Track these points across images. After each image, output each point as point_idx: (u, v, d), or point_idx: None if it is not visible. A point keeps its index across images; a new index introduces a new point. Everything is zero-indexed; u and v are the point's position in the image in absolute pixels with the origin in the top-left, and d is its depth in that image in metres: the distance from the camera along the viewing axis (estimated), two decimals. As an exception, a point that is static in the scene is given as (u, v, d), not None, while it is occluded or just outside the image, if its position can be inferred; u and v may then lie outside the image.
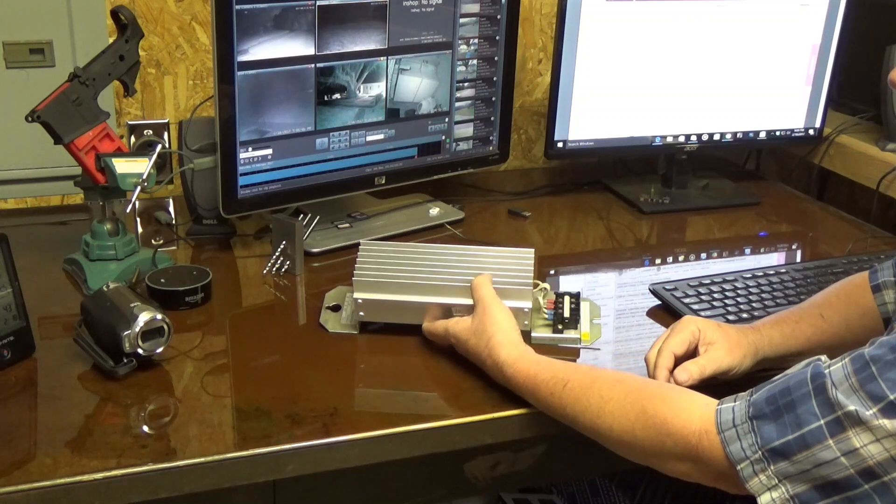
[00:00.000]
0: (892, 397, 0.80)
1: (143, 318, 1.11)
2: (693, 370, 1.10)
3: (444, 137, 1.67)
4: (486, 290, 1.18)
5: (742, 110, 1.82)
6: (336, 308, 1.30)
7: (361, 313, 1.24)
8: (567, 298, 1.29)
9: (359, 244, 1.30)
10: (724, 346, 1.13)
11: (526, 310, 1.20)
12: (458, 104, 1.67)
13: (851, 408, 0.82)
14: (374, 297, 1.22)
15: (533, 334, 1.23)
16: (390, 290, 1.22)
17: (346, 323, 1.27)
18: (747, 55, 1.77)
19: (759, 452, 0.87)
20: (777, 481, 0.86)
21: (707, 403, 0.94)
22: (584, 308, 1.29)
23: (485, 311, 1.15)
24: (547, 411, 1.07)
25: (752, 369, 1.15)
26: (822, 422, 0.83)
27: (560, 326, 1.24)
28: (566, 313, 1.26)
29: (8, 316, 1.14)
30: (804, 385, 0.86)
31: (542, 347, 1.19)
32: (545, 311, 1.27)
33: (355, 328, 1.25)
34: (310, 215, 1.54)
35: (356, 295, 1.22)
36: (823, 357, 0.89)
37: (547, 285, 1.30)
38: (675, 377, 1.10)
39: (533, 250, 1.29)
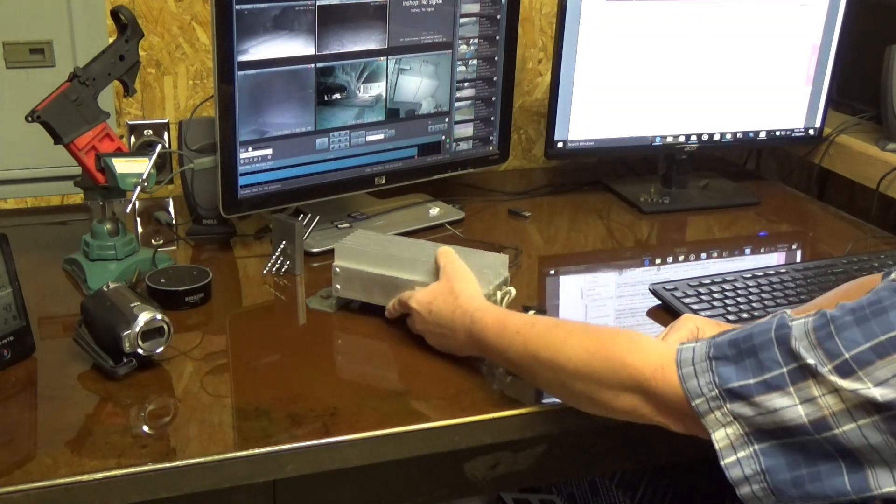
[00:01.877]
0: (846, 356, 0.83)
1: (143, 318, 1.11)
2: None
3: (444, 137, 1.67)
4: (452, 255, 1.21)
5: (742, 110, 1.82)
6: (327, 295, 1.33)
7: (338, 286, 1.27)
8: (532, 312, 1.24)
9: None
10: None
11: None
12: (458, 104, 1.67)
13: (811, 361, 0.84)
14: (351, 266, 1.25)
15: None
16: (368, 261, 1.25)
17: (324, 301, 1.31)
18: (747, 55, 1.77)
19: (716, 391, 0.89)
20: (732, 418, 0.88)
21: (669, 347, 0.96)
22: None
23: (455, 272, 1.18)
24: (509, 353, 1.07)
25: None
26: (784, 369, 0.86)
27: None
28: None
29: (8, 316, 1.14)
30: (767, 333, 0.88)
31: (465, 358, 1.19)
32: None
33: (331, 307, 1.30)
34: (310, 215, 1.54)
35: (335, 263, 1.26)
36: (789, 311, 0.91)
37: (513, 290, 1.27)
38: None
39: (507, 257, 1.29)
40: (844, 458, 0.85)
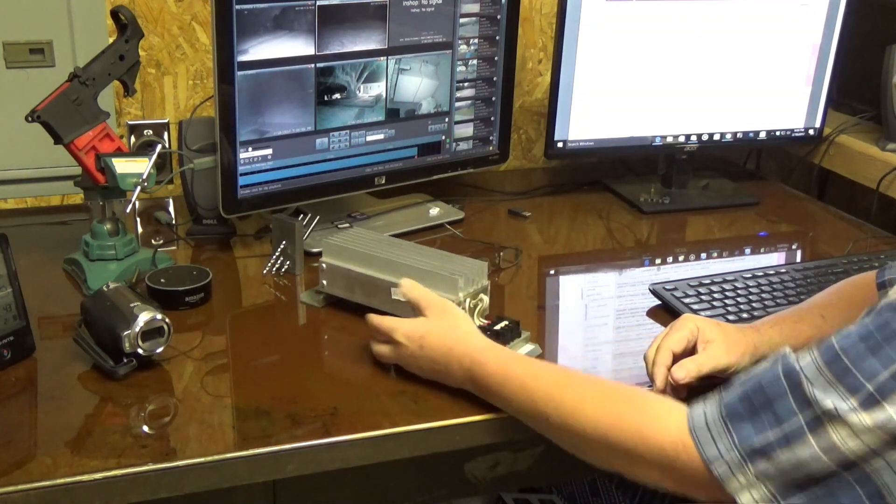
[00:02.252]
0: (870, 388, 0.80)
1: (143, 318, 1.11)
2: (691, 368, 1.10)
3: (444, 137, 1.67)
4: (420, 288, 1.17)
5: (742, 110, 1.82)
6: (318, 291, 1.33)
7: (324, 282, 1.28)
8: (505, 323, 1.20)
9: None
10: (723, 344, 1.13)
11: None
12: (458, 104, 1.67)
13: (829, 404, 0.82)
14: (336, 263, 1.27)
15: None
16: (352, 259, 1.26)
17: (315, 296, 1.32)
18: (747, 55, 1.77)
19: (736, 451, 0.86)
20: (756, 480, 0.85)
21: (681, 409, 0.93)
22: (523, 339, 1.21)
23: (443, 306, 1.14)
24: (513, 405, 1.04)
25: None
26: (801, 418, 0.83)
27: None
28: (497, 328, 1.19)
29: (8, 316, 1.14)
30: (778, 382, 0.85)
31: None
32: (477, 320, 1.21)
33: (319, 303, 1.32)
34: (310, 215, 1.54)
35: (322, 259, 1.28)
36: (787, 349, 0.88)
37: (486, 299, 1.24)
38: (673, 374, 1.10)
39: (486, 264, 1.26)
40: (873, 501, 0.82)
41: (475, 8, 1.62)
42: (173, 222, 1.63)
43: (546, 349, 1.23)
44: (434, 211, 1.67)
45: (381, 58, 1.53)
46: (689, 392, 1.09)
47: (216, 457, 0.99)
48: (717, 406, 0.89)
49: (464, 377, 1.08)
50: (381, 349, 1.16)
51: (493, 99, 1.71)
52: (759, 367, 0.90)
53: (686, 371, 1.09)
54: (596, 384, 1.02)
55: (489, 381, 1.06)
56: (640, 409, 0.96)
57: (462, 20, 1.61)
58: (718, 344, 1.13)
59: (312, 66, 1.46)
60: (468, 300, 1.21)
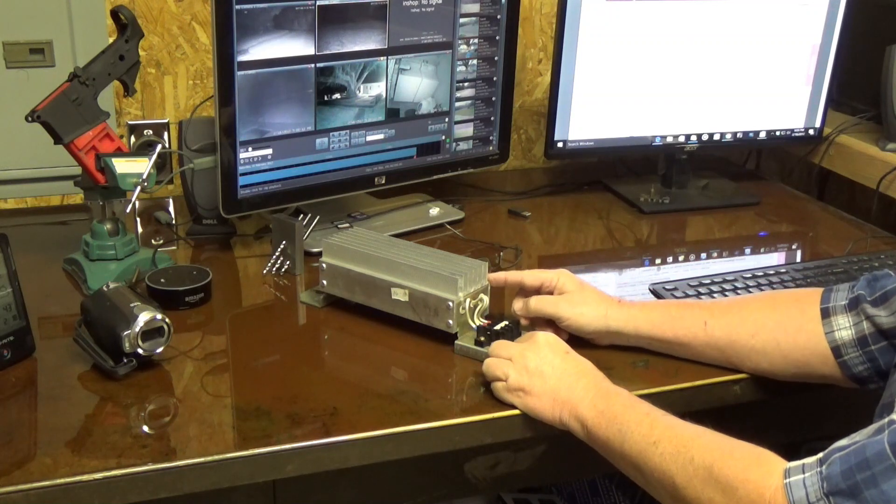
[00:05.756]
0: None
1: (143, 318, 1.11)
2: (529, 303, 1.21)
3: (444, 137, 1.67)
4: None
5: (742, 110, 1.82)
6: (318, 291, 1.33)
7: (324, 282, 1.29)
8: (505, 323, 1.21)
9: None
10: (572, 298, 1.19)
11: (450, 304, 1.19)
12: (458, 104, 1.67)
13: None
14: (335, 263, 1.27)
15: (456, 342, 1.21)
16: (352, 259, 1.26)
17: (315, 296, 1.32)
18: (747, 55, 1.77)
19: None
20: None
21: (778, 473, 0.85)
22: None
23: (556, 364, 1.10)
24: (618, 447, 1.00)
25: (602, 338, 1.19)
26: None
27: (482, 339, 1.19)
28: (497, 328, 1.20)
29: (8, 316, 1.14)
30: (885, 457, 0.79)
31: (464, 359, 1.20)
32: (476, 320, 1.22)
33: (319, 303, 1.32)
34: (310, 215, 1.54)
35: (322, 259, 1.28)
36: (895, 416, 0.81)
37: (486, 299, 1.24)
38: (513, 306, 1.23)
39: (486, 264, 1.25)
40: None
41: (475, 8, 1.62)
42: (173, 222, 1.63)
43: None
44: (434, 211, 1.67)
45: (381, 58, 1.53)
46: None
47: (216, 457, 0.99)
48: (818, 479, 0.82)
49: (571, 417, 1.06)
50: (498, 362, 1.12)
51: (493, 99, 1.71)
52: (864, 432, 0.84)
53: (523, 304, 1.22)
54: (694, 436, 0.94)
55: (598, 433, 1.02)
56: (734, 465, 0.89)
57: (462, 20, 1.61)
58: (568, 297, 1.19)
59: (312, 66, 1.46)
60: (468, 300, 1.21)
